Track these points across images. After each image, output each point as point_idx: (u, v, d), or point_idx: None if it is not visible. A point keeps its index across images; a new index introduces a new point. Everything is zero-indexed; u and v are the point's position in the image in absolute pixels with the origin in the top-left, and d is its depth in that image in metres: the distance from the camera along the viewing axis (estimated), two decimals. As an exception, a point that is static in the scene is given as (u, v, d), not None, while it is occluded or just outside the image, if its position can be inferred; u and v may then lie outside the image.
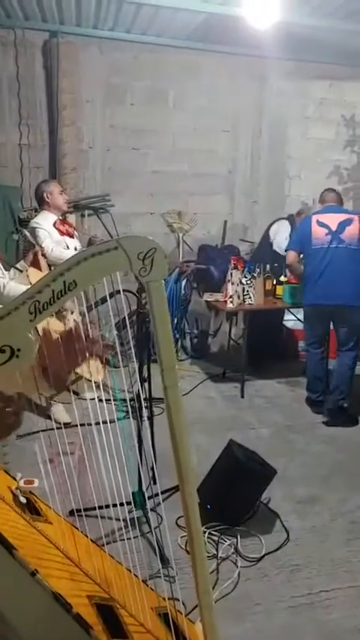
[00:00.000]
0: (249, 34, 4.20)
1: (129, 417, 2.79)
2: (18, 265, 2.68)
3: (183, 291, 4.97)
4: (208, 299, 4.52)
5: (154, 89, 5.02)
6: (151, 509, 2.45)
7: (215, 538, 2.38)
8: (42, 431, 1.83)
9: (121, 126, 4.97)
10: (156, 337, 1.09)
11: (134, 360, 2.57)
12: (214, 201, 5.40)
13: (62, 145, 4.72)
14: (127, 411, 3.01)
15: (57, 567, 1.14)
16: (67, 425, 2.72)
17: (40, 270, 2.70)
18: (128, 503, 2.38)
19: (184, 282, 4.98)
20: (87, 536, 1.34)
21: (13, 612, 1.03)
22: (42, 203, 3.41)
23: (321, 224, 3.66)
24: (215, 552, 2.29)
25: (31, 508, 1.24)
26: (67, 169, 4.75)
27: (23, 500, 1.23)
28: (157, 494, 2.42)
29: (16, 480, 1.28)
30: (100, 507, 1.84)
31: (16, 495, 1.22)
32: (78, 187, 4.85)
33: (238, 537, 2.39)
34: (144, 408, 2.49)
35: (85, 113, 4.83)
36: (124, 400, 3.06)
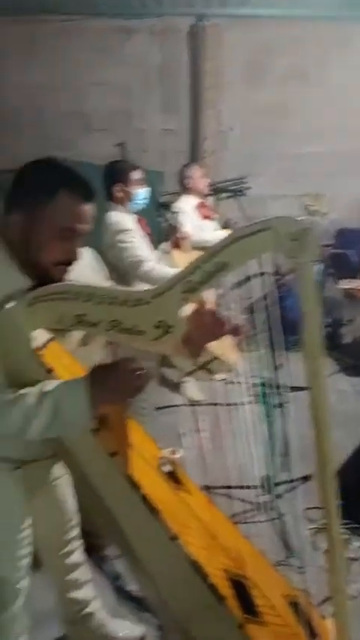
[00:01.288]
0: None
1: (261, 402, 2.79)
2: (163, 247, 2.80)
3: (318, 277, 4.80)
4: (346, 286, 4.31)
5: (296, 67, 4.84)
6: (279, 496, 2.43)
7: (346, 536, 2.29)
8: (175, 406, 1.90)
9: (261, 106, 4.89)
10: (303, 322, 1.07)
11: (266, 345, 2.55)
12: (355, 182, 5.10)
13: (202, 128, 4.79)
14: (260, 396, 3.01)
15: (195, 536, 1.18)
16: (198, 402, 2.80)
17: (183, 252, 2.80)
18: (257, 487, 2.39)
19: (319, 267, 4.80)
20: (223, 513, 1.37)
21: (155, 569, 1.10)
22: (184, 187, 3.50)
23: None
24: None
25: (174, 477, 1.30)
26: (207, 152, 4.81)
27: (168, 469, 1.29)
28: (286, 482, 2.40)
29: (161, 449, 1.35)
30: (230, 487, 1.87)
31: (161, 464, 1.30)
32: (217, 170, 4.89)
33: (370, 537, 2.28)
34: (277, 395, 2.47)
35: (226, 95, 4.83)
36: (257, 385, 3.07)
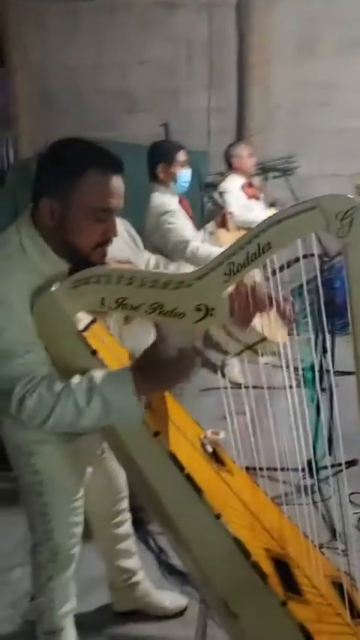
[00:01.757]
0: None
1: (308, 386, 2.75)
2: (208, 227, 2.79)
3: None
4: None
5: (348, 38, 4.63)
6: (323, 480, 2.42)
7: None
8: (218, 388, 1.90)
9: (311, 81, 4.72)
10: (350, 303, 1.04)
11: (313, 328, 2.51)
12: None
13: (249, 105, 4.69)
14: (306, 380, 2.97)
15: (238, 516, 1.20)
16: (241, 385, 2.79)
17: (229, 231, 2.77)
18: (300, 470, 2.38)
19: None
20: (266, 494, 1.38)
21: (198, 546, 1.12)
22: (230, 166, 3.46)
23: None
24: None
25: (216, 458, 1.32)
26: (254, 131, 4.72)
27: (210, 449, 1.31)
28: (331, 466, 2.38)
29: (203, 429, 1.37)
30: (273, 469, 1.87)
31: (203, 443, 1.31)
32: (264, 149, 4.78)
33: None
34: (324, 379, 2.43)
35: (273, 70, 4.70)
36: (303, 368, 3.03)
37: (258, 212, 3.34)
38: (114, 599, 1.87)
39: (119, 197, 1.18)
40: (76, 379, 1.13)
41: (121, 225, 1.39)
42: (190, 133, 4.82)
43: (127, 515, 1.75)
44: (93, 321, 1.22)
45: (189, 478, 1.11)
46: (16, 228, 1.20)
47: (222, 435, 1.32)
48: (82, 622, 1.75)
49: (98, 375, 1.12)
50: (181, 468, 1.11)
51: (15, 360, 1.13)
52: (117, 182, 1.17)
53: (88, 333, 1.18)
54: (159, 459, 1.12)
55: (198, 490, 1.10)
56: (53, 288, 1.12)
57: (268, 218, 1.00)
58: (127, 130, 4.71)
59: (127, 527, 1.76)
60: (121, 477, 1.66)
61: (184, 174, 2.55)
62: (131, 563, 1.80)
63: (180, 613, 1.86)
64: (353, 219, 0.97)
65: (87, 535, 1.54)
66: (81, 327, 1.16)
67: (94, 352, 1.14)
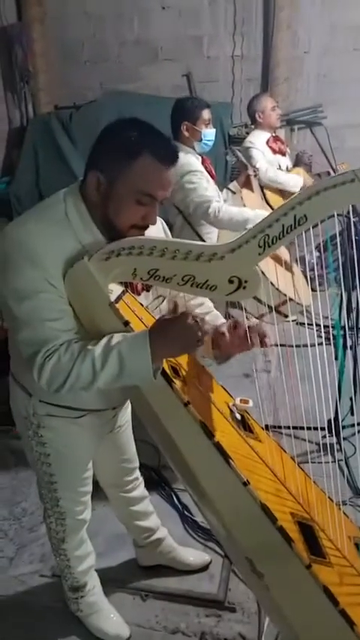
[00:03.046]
0: None
1: (330, 344, 2.75)
2: (231, 186, 2.71)
3: None
4: None
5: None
6: (346, 439, 2.45)
7: None
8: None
9: (342, 24, 4.44)
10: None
11: (338, 285, 2.48)
12: None
13: (276, 52, 4.45)
14: (329, 338, 2.96)
15: (265, 482, 1.23)
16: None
17: (252, 191, 2.70)
18: (322, 429, 2.41)
19: None
20: (293, 459, 1.41)
21: (225, 511, 1.16)
22: (254, 121, 3.33)
23: None
24: None
25: (244, 425, 1.34)
26: (280, 80, 4.50)
27: (238, 416, 1.33)
28: (353, 425, 2.40)
29: (232, 397, 1.39)
30: (295, 428, 1.90)
31: (232, 411, 1.33)
32: (290, 99, 4.59)
33: None
34: (348, 336, 2.42)
35: (302, 13, 4.42)
36: (327, 326, 3.01)
37: (285, 172, 3.24)
38: (139, 555, 1.95)
39: (167, 189, 1.18)
40: (92, 343, 1.14)
41: (158, 220, 1.39)
42: (215, 83, 4.64)
43: (139, 481, 1.80)
44: (125, 292, 1.23)
45: (218, 446, 1.13)
46: (64, 195, 1.21)
47: (251, 403, 1.34)
48: (107, 576, 1.85)
49: (117, 335, 1.14)
50: (211, 436, 1.14)
51: (45, 323, 1.14)
52: (169, 174, 1.17)
53: (120, 304, 1.18)
54: (189, 428, 1.14)
55: (227, 457, 1.13)
56: (86, 259, 1.11)
57: (306, 190, 0.98)
58: (150, 81, 4.55)
59: (141, 490, 1.82)
60: (131, 449, 1.72)
61: (209, 133, 2.46)
62: (149, 522, 1.86)
63: (204, 568, 1.94)
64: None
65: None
66: (113, 297, 1.17)
67: (126, 323, 1.15)
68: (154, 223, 1.20)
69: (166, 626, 1.77)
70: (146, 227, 1.20)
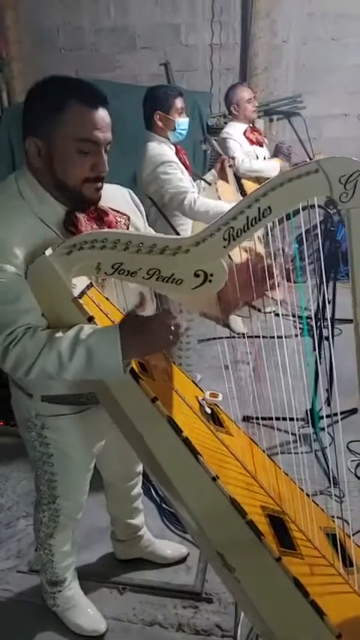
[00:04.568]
0: None
1: (307, 335, 2.76)
2: (207, 176, 2.69)
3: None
4: None
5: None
6: (323, 429, 2.47)
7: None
8: (220, 338, 1.89)
9: (321, 13, 4.42)
10: (351, 268, 1.03)
11: (314, 276, 2.48)
12: None
13: (254, 41, 4.41)
14: (306, 329, 2.98)
15: (234, 476, 1.22)
16: (243, 335, 2.79)
17: (227, 182, 2.68)
18: (300, 419, 2.43)
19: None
20: (264, 452, 1.40)
21: (195, 507, 1.15)
22: (230, 113, 3.30)
23: None
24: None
25: (214, 419, 1.34)
26: (258, 69, 4.47)
27: (208, 410, 1.32)
28: (330, 415, 2.41)
29: (202, 390, 1.38)
30: (272, 418, 1.90)
31: (202, 405, 1.32)
32: (268, 89, 4.57)
33: None
34: (323, 328, 2.43)
35: (281, 1, 4.39)
36: (303, 317, 3.02)
37: (261, 161, 3.22)
38: (117, 548, 1.95)
39: (104, 129, 1.15)
40: (61, 332, 1.12)
41: (126, 192, 1.38)
42: (193, 72, 4.59)
43: (140, 477, 1.81)
44: (89, 286, 1.20)
45: (187, 441, 1.12)
46: (15, 177, 1.21)
47: (220, 397, 1.33)
48: (85, 570, 1.85)
49: (87, 328, 1.12)
50: (179, 432, 1.13)
51: (4, 305, 1.12)
52: (101, 114, 1.14)
53: (84, 299, 1.16)
54: (157, 424, 1.13)
55: (195, 453, 1.12)
56: (47, 253, 1.09)
57: (269, 181, 0.96)
58: (127, 70, 4.49)
59: (139, 487, 1.83)
60: None
61: (183, 122, 2.41)
62: (138, 520, 1.87)
63: (181, 560, 1.94)
64: (357, 183, 0.94)
65: (92, 485, 1.58)
66: (77, 292, 1.14)
67: (90, 319, 1.13)
68: (104, 171, 1.17)
69: (143, 619, 1.77)
70: (100, 179, 1.18)
